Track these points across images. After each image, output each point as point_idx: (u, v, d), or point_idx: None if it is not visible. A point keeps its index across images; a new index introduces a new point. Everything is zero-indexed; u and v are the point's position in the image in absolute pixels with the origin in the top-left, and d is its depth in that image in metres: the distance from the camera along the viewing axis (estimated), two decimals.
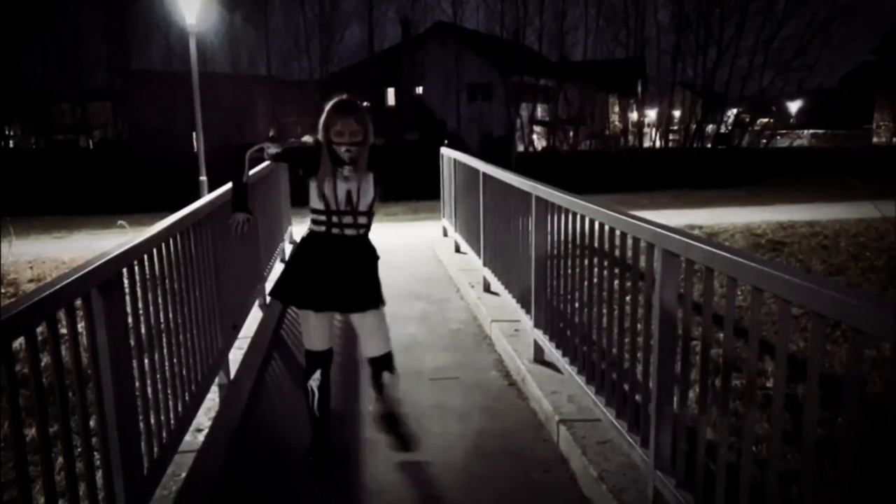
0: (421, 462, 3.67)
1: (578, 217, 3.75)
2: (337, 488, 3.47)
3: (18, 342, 1.92)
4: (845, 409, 1.79)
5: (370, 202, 3.45)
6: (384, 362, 3.63)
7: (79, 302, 2.28)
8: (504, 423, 4.10)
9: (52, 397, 2.06)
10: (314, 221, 3.46)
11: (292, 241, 8.84)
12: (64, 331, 2.20)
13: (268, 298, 6.05)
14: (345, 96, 3.42)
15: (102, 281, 2.39)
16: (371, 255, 3.56)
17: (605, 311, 3.46)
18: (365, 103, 36.09)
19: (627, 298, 3.20)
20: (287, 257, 3.59)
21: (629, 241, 3.12)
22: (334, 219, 3.41)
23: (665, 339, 2.75)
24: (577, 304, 3.86)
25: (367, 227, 3.50)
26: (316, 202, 3.43)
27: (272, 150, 3.49)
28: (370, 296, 3.52)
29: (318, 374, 3.60)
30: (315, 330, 3.56)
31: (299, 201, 10.55)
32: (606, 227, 3.38)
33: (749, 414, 2.26)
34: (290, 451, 3.84)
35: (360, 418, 4.22)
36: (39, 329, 2.01)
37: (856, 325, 1.70)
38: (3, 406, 1.86)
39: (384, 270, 3.60)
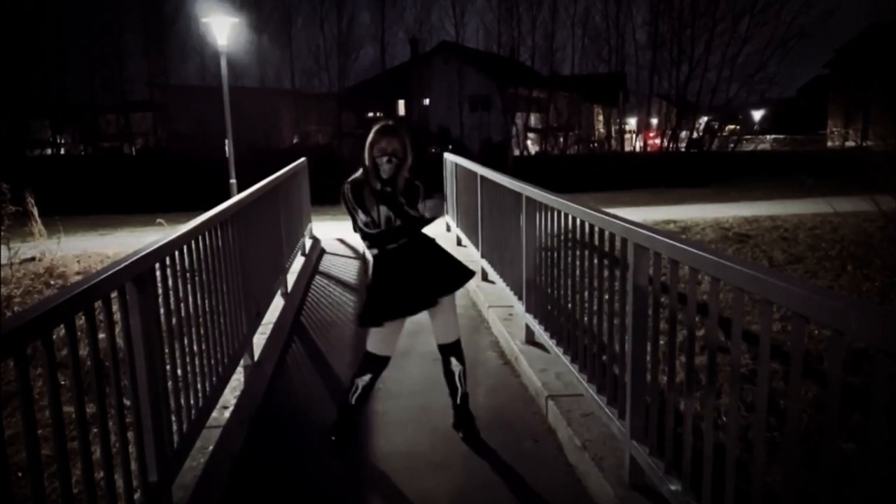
0: (426, 433, 3.66)
1: (563, 214, 3.72)
2: (349, 457, 3.46)
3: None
4: (792, 379, 1.80)
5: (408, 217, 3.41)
6: (454, 349, 3.60)
7: (114, 294, 2.25)
8: (499, 397, 4.08)
9: (90, 379, 2.05)
10: (368, 244, 3.45)
11: (312, 237, 8.81)
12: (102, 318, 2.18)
13: (289, 288, 6.03)
14: (390, 122, 3.46)
15: (136, 274, 2.36)
16: (431, 241, 3.55)
17: (586, 296, 3.43)
18: (379, 113, 36.31)
19: (606, 286, 3.17)
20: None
21: (606, 236, 3.10)
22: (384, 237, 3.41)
23: (637, 321, 2.73)
24: (562, 291, 3.83)
25: (415, 230, 3.47)
26: (362, 225, 3.41)
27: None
28: (458, 272, 3.53)
29: (370, 376, 3.53)
30: (386, 337, 3.47)
31: (318, 200, 10.55)
32: (587, 224, 3.35)
33: (712, 387, 2.24)
34: (308, 426, 3.82)
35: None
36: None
37: (797, 311, 1.73)
38: (43, 387, 1.84)
39: None
